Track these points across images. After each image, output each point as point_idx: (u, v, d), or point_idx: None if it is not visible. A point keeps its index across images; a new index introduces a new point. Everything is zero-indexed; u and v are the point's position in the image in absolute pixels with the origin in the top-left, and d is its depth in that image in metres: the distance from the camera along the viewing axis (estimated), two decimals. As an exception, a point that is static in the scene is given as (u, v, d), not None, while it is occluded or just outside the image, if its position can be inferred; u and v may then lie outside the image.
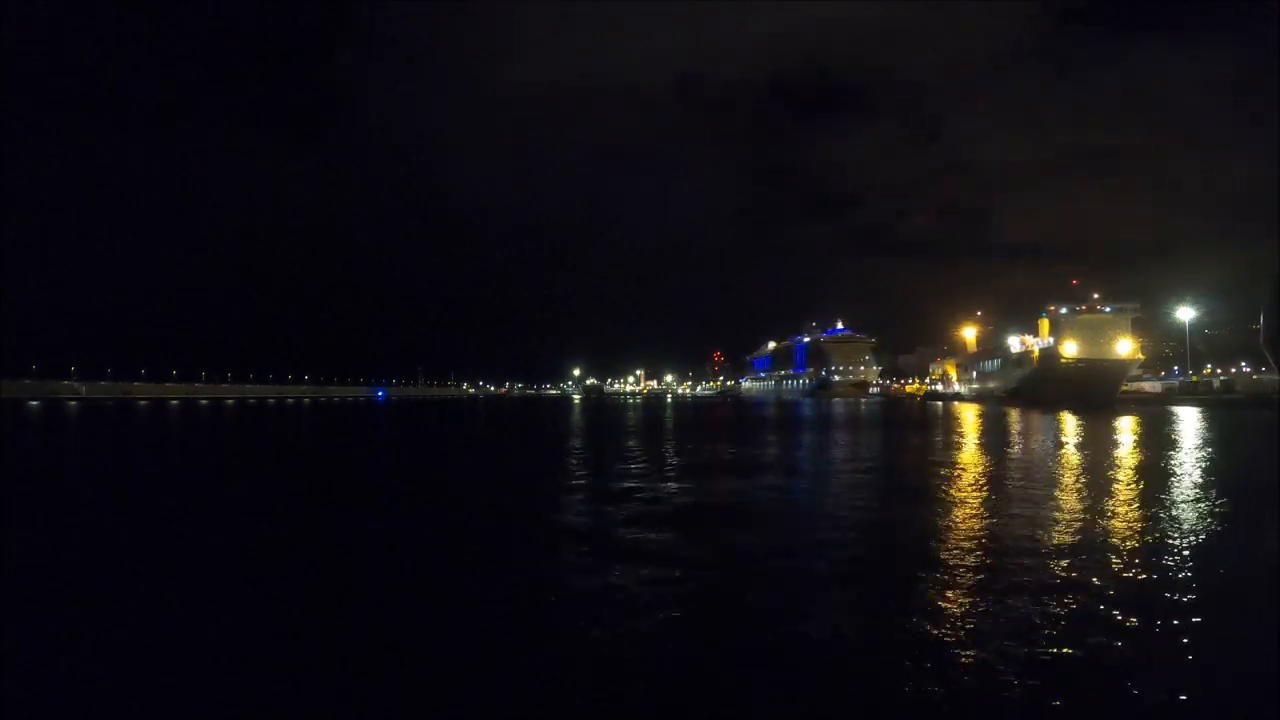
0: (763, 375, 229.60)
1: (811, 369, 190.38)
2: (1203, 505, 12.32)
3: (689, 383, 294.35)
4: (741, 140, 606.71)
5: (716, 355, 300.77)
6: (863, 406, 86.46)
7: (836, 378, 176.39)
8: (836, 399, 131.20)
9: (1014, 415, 51.88)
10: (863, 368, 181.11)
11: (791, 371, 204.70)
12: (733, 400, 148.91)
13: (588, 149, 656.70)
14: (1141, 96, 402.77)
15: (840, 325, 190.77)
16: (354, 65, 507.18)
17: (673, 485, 15.53)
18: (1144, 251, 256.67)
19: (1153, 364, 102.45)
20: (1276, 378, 72.45)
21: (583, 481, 16.62)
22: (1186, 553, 8.79)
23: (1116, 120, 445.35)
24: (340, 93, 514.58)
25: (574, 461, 21.78)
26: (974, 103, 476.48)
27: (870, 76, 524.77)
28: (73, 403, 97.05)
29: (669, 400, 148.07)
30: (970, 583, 7.53)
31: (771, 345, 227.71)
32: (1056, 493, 13.78)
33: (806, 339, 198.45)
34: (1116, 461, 19.97)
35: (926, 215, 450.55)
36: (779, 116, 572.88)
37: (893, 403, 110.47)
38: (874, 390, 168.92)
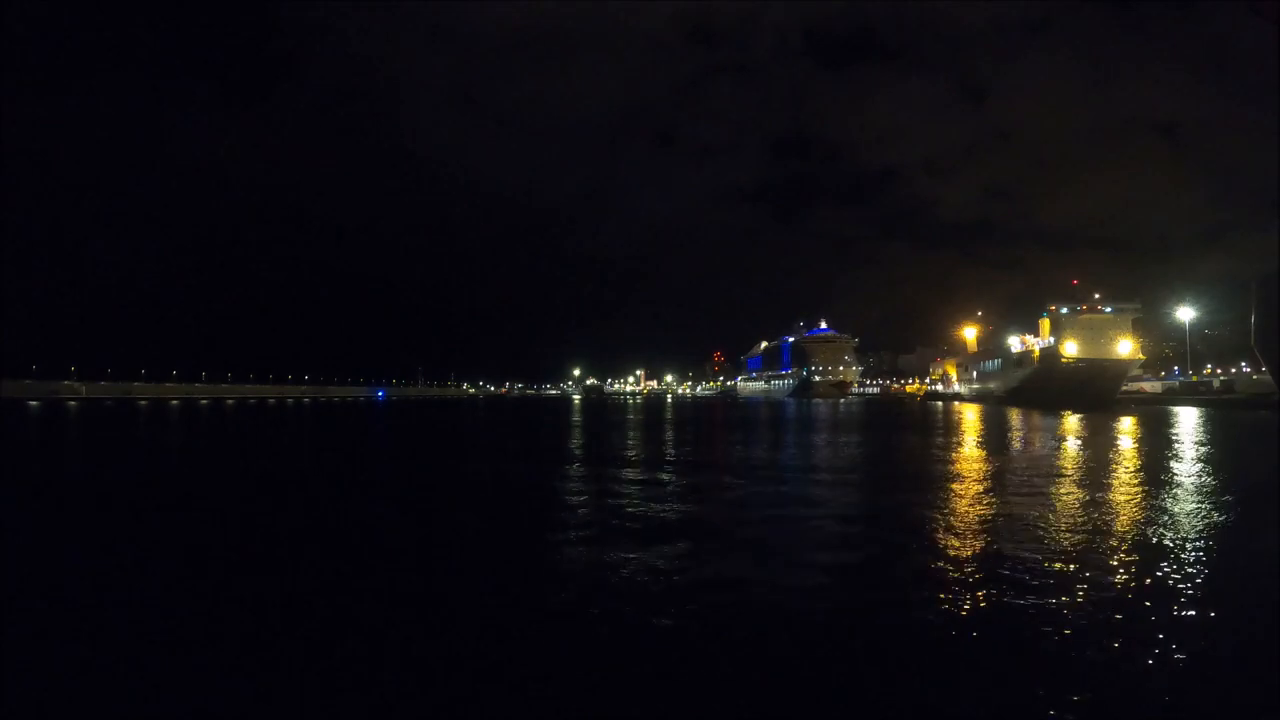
0: (754, 376, 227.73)
1: (795, 369, 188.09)
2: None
3: (689, 383, 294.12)
4: (760, 104, 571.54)
5: (716, 355, 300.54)
6: (840, 407, 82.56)
7: (817, 378, 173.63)
8: (817, 400, 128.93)
9: (1016, 416, 51.16)
10: (843, 368, 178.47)
11: (779, 372, 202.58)
12: (730, 401, 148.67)
13: (584, 112, 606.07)
14: (1208, 66, 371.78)
15: (823, 325, 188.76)
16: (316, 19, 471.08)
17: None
18: (1175, 242, 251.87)
19: (1153, 364, 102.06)
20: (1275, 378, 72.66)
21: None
22: None
23: (1177, 92, 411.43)
24: (306, 56, 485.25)
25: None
26: (1022, 67, 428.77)
27: (911, 32, 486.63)
28: (73, 403, 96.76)
29: (669, 400, 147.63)
30: None
31: (763, 345, 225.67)
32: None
33: (792, 339, 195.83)
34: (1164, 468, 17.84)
35: (963, 198, 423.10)
36: (805, 75, 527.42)
37: (890, 403, 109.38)
38: (855, 391, 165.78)
